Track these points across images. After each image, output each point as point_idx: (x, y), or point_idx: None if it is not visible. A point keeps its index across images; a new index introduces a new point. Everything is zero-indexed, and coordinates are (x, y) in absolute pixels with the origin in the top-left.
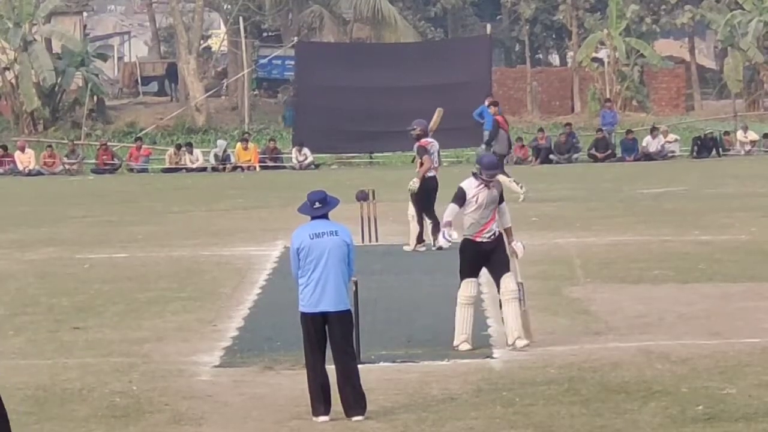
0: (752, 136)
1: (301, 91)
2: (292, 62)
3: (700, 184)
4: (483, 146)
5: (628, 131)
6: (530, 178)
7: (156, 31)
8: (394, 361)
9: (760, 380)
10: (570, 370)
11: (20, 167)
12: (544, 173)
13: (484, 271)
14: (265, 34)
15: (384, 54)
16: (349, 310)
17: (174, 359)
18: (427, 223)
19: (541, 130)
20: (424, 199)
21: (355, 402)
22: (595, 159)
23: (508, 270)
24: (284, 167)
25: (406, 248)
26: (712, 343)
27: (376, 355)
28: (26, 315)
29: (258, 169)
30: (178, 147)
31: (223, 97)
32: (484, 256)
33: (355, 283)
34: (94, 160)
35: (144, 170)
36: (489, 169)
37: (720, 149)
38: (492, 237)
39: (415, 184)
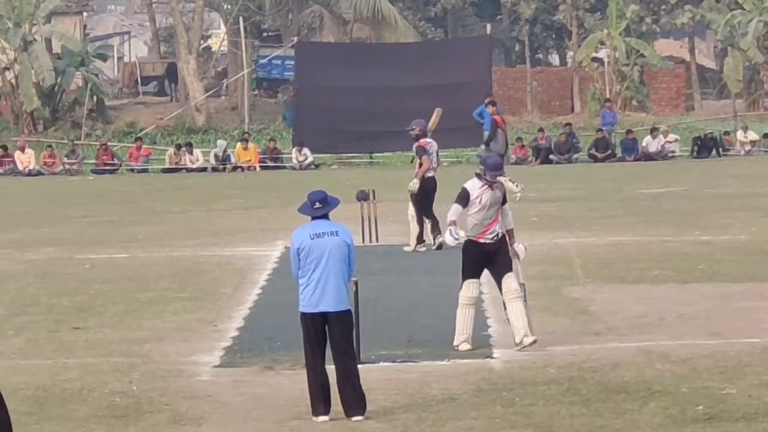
0: (752, 136)
1: (301, 91)
2: (292, 62)
3: (700, 184)
4: (483, 146)
5: (628, 131)
6: (530, 178)
7: (156, 31)
8: (394, 361)
9: (760, 380)
10: (570, 370)
11: (20, 167)
12: (544, 173)
13: (484, 271)
14: (265, 34)
15: (384, 54)
16: (349, 310)
17: (174, 359)
18: (427, 223)
19: (541, 130)
20: (423, 199)
21: (355, 402)
22: (595, 159)
23: (510, 270)
24: (284, 167)
25: (406, 248)
26: (712, 343)
27: (376, 355)
28: (26, 315)
29: (258, 169)
30: (178, 147)
31: (223, 97)
32: (486, 258)
33: (356, 283)
34: (94, 160)
35: (144, 170)
36: (493, 170)
37: (720, 149)
38: (495, 238)
39: (415, 185)
